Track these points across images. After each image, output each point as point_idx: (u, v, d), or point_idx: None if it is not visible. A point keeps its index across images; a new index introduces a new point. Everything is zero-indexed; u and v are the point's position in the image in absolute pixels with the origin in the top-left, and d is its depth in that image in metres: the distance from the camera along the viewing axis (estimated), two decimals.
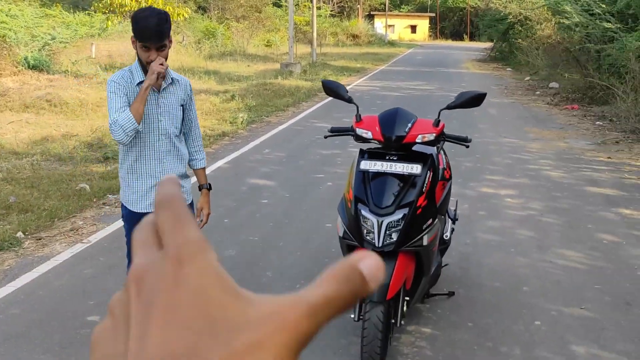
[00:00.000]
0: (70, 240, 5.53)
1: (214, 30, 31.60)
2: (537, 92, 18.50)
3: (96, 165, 8.15)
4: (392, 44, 53.89)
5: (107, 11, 16.44)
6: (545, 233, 5.96)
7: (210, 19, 39.24)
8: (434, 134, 3.56)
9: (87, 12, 27.62)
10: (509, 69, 27.78)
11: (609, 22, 15.08)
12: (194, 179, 3.69)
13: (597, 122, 12.74)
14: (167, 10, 16.44)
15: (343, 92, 3.83)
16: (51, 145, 9.27)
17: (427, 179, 3.47)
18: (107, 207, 6.52)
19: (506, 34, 31.32)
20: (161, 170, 3.27)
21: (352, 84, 20.44)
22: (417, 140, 3.53)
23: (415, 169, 3.42)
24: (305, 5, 52.40)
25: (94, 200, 6.68)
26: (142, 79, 3.16)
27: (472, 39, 69.65)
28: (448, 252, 4.53)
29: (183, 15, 16.85)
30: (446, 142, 3.91)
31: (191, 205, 3.46)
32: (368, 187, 3.44)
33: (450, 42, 68.09)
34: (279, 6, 52.55)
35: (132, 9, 15.62)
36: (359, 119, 3.70)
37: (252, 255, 5.25)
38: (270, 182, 7.62)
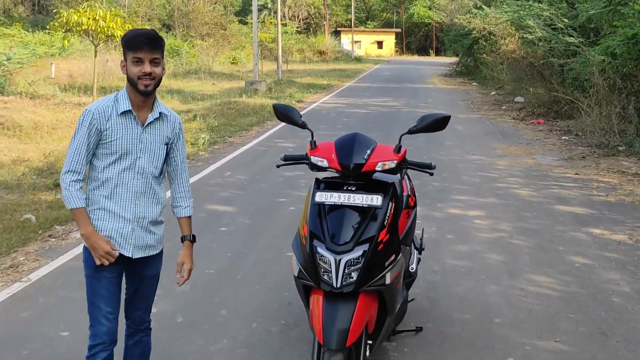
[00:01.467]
0: (8, 278, 5.08)
1: (178, 48, 31.20)
2: (503, 107, 18.50)
3: (45, 193, 7.68)
4: (358, 59, 54.04)
5: (64, 30, 15.92)
6: (515, 257, 5.73)
7: (175, 37, 38.82)
8: (395, 161, 3.27)
9: (46, 31, 26.99)
10: (475, 84, 27.91)
11: (572, 36, 15.14)
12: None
13: (563, 137, 12.69)
14: (126, 28, 16.03)
15: (296, 117, 3.53)
16: None
17: (389, 210, 3.17)
18: (53, 239, 6.08)
19: (471, 49, 31.54)
20: (132, 213, 2.92)
21: (318, 101, 20.22)
22: (376, 169, 3.24)
23: (376, 200, 3.12)
24: (271, 22, 52.38)
25: (39, 232, 6.24)
26: (128, 109, 2.87)
27: (437, 53, 70.35)
28: (415, 281, 4.24)
29: None
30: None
31: (160, 253, 3.12)
32: (324, 221, 3.12)
33: (416, 57, 68.62)
34: (245, 23, 52.48)
35: (90, 28, 15.17)
36: (313, 145, 3.39)
37: (206, 290, 4.88)
38: (230, 208, 7.27)
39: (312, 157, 3.35)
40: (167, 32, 41.00)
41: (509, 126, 14.58)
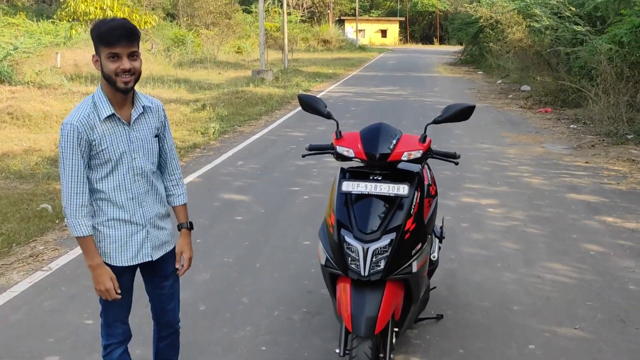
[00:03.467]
0: (29, 267, 5.15)
1: (183, 38, 31.13)
2: (510, 96, 18.46)
3: (59, 183, 7.73)
4: (363, 48, 53.90)
5: (71, 19, 15.94)
6: (530, 245, 5.76)
7: (180, 26, 38.74)
8: (421, 151, 3.29)
9: (51, 20, 26.95)
10: (480, 72, 27.83)
11: (578, 24, 15.08)
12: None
13: (572, 126, 12.67)
14: (133, 17, 16.02)
15: (321, 107, 3.55)
16: (11, 161, 8.83)
17: (414, 199, 3.20)
18: None
19: (476, 38, 31.41)
20: (142, 215, 2.81)
21: (325, 90, 20.21)
22: (402, 158, 3.26)
23: (402, 189, 3.15)
24: (275, 11, 52.20)
25: (57, 221, 6.29)
26: (111, 112, 2.66)
27: (442, 42, 70.18)
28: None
29: (150, 22, 16.41)
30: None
31: (172, 251, 3.01)
32: (351, 211, 3.15)
33: (420, 46, 68.42)
34: (249, 12, 52.27)
35: (98, 17, 15.16)
36: (339, 135, 3.42)
37: (226, 279, 4.93)
38: (244, 197, 7.31)
39: (337, 147, 3.37)
40: (171, 22, 40.92)
41: (516, 115, 14.57)
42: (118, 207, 2.75)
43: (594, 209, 6.86)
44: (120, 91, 2.65)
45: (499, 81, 22.53)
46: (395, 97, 18.32)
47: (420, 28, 78.63)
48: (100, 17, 15.00)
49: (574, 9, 15.79)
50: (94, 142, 2.64)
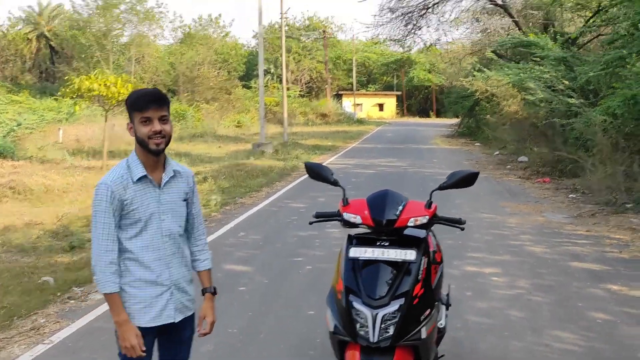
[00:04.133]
0: (30, 341, 5.07)
1: (184, 112, 31.74)
2: (508, 166, 18.67)
3: (61, 255, 7.74)
4: (360, 122, 54.81)
5: (75, 96, 16.29)
6: (536, 313, 5.71)
7: (180, 101, 39.51)
8: (427, 217, 3.33)
9: (54, 97, 27.53)
10: (478, 144, 28.23)
11: (572, 97, 15.43)
12: None
13: (571, 195, 12.77)
14: None
15: (328, 174, 3.62)
16: (13, 235, 8.85)
17: (422, 264, 3.22)
18: (73, 301, 6.09)
19: (472, 110, 32.03)
20: (168, 277, 2.86)
21: (324, 162, 20.40)
22: (409, 224, 3.30)
23: (410, 254, 3.17)
24: (274, 87, 53.42)
25: (58, 294, 6.25)
26: (143, 174, 2.80)
27: (438, 115, 71.39)
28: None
29: None
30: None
31: (192, 316, 3.05)
32: (359, 276, 3.16)
33: (417, 119, 69.57)
34: (249, 88, 53.45)
35: (101, 94, 15.52)
36: (346, 202, 3.47)
37: (231, 350, 4.86)
38: (247, 268, 7.29)
39: (344, 213, 3.41)
40: (172, 97, 41.75)
41: (515, 185, 14.70)
42: (145, 267, 2.82)
43: (598, 277, 6.84)
44: (152, 153, 2.80)
45: (497, 152, 22.82)
46: (395, 168, 18.52)
47: (417, 102, 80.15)
48: (104, 94, 15.33)
49: (567, 82, 16.20)
50: (125, 202, 2.76)
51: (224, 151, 22.92)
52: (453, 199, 11.40)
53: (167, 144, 2.83)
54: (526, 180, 15.44)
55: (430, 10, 26.40)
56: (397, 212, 3.29)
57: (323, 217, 3.65)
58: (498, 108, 24.87)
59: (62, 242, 8.37)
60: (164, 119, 2.80)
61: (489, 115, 25.51)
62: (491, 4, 25.55)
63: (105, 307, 5.88)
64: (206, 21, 61.66)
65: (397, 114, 76.72)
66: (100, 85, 15.40)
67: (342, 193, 3.55)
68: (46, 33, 53.04)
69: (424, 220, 3.32)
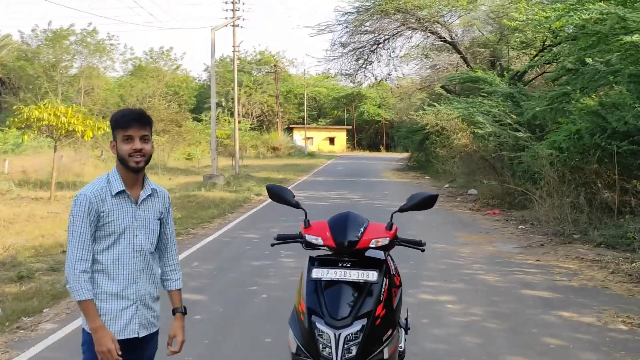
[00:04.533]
0: None
1: None
2: (458, 199, 19.00)
3: (9, 285, 7.45)
4: (311, 155, 55.13)
5: (23, 126, 15.94)
6: (491, 339, 5.77)
7: None
8: (388, 238, 3.37)
9: (0, 128, 26.85)
10: (427, 177, 28.69)
11: (519, 131, 15.89)
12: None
13: (520, 226, 13.05)
14: (87, 122, 16.17)
15: (289, 197, 3.63)
16: None
17: (384, 285, 3.23)
18: (22, 331, 5.86)
19: (422, 144, 32.58)
20: (134, 291, 2.91)
21: None
22: (370, 245, 3.32)
23: (372, 275, 3.19)
24: (225, 120, 53.36)
25: (7, 324, 6.01)
26: (121, 189, 2.88)
27: (388, 149, 72.40)
28: None
29: (103, 129, 16.54)
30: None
31: (156, 333, 3.07)
32: (321, 297, 3.16)
33: (368, 153, 70.38)
34: (199, 120, 53.27)
35: (50, 123, 15.21)
36: (307, 224, 3.47)
37: None
38: (201, 297, 7.15)
39: (306, 235, 3.41)
40: None
41: (466, 216, 14.95)
42: (112, 280, 2.86)
43: (550, 305, 6.97)
44: (132, 170, 2.89)
45: (447, 185, 23.22)
46: (347, 200, 18.61)
47: (367, 136, 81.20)
48: (54, 123, 15.05)
49: (514, 116, 16.68)
50: (102, 214, 2.83)
51: (175, 183, 22.66)
52: (406, 229, 11.50)
53: (147, 162, 2.92)
54: (476, 212, 15.72)
55: (381, 45, 26.93)
56: (359, 234, 3.31)
57: (284, 239, 3.64)
58: (448, 141, 25.39)
59: (10, 272, 8.08)
60: (145, 139, 2.89)
61: (438, 149, 25.99)
62: (440, 40, 26.25)
63: (55, 337, 5.71)
64: (157, 54, 61.61)
65: (348, 147, 77.52)
66: (50, 114, 15.10)
67: (303, 216, 3.56)
68: None
69: (385, 241, 3.35)
